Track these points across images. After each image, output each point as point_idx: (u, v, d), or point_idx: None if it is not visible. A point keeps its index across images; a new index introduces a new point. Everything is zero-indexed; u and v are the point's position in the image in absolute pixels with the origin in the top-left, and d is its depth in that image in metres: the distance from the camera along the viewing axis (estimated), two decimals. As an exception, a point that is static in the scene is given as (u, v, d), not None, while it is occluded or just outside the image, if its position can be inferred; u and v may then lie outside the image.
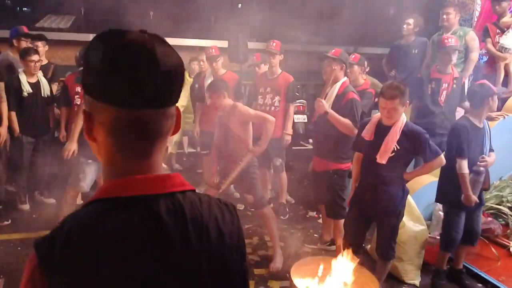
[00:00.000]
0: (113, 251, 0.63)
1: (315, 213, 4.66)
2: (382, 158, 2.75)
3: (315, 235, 4.17)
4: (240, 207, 4.67)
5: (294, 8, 8.03)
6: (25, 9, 12.36)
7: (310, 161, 4.22)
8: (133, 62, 0.66)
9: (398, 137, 2.73)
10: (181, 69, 0.72)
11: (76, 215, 0.68)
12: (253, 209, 4.06)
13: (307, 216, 4.67)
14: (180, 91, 0.72)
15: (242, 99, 4.82)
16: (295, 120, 6.80)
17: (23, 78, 4.17)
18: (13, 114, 4.11)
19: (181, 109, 4.50)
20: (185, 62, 6.05)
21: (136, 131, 0.69)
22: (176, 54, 0.71)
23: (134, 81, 0.66)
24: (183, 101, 5.43)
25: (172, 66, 0.69)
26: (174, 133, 0.75)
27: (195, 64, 5.69)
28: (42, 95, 4.31)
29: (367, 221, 3.02)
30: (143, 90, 0.66)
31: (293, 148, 6.36)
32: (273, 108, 4.46)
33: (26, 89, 4.16)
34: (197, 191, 0.77)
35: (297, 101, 7.16)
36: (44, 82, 4.35)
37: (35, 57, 4.16)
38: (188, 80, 5.50)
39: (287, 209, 4.66)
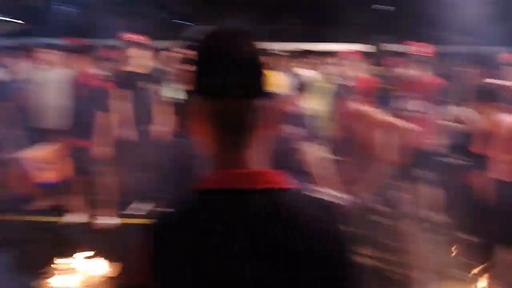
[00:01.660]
0: (205, 241, 0.69)
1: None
2: None
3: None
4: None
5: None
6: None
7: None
8: (225, 56, 0.73)
9: None
10: (265, 63, 0.76)
11: (180, 200, 0.77)
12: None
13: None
14: (264, 85, 0.75)
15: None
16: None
17: None
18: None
19: (322, 114, 4.60)
20: (323, 68, 6.10)
21: (229, 123, 0.74)
22: (260, 49, 0.76)
23: (226, 73, 0.72)
24: (323, 106, 5.47)
25: (256, 59, 0.75)
26: (269, 130, 0.77)
27: (334, 68, 5.70)
28: None
29: None
30: (234, 82, 0.72)
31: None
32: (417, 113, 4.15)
33: None
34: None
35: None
36: None
37: None
38: (325, 85, 5.53)
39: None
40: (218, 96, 0.73)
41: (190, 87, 0.76)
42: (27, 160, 4.18)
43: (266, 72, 0.76)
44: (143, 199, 4.66)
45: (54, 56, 4.82)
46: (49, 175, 4.27)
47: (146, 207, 4.60)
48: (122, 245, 3.74)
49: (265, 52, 0.77)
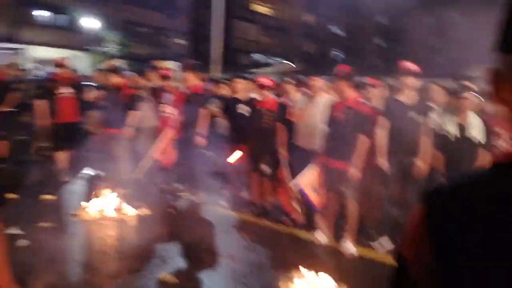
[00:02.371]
0: (497, 216, 0.60)
1: None
2: None
3: None
4: None
5: None
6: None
7: None
8: None
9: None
10: None
11: (469, 174, 0.70)
12: None
13: None
14: None
15: None
16: None
17: None
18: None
19: None
20: None
21: None
22: None
23: None
24: None
25: None
26: None
27: None
28: None
29: None
30: None
31: None
32: None
33: None
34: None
35: None
36: None
37: None
38: None
39: None
40: None
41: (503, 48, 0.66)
42: (298, 181, 4.58)
43: None
44: (391, 234, 4.44)
45: (321, 83, 5.23)
46: (311, 195, 4.56)
47: (390, 245, 4.36)
48: (355, 274, 3.78)
49: None
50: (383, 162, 4.39)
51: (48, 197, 5.43)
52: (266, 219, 5.19)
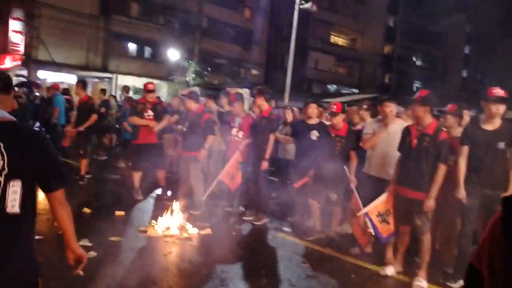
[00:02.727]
0: None
1: None
2: None
3: None
4: None
5: None
6: None
7: None
8: None
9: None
10: None
11: None
12: None
13: None
14: None
15: None
16: None
17: None
18: None
19: None
20: None
21: None
22: None
23: None
24: None
25: None
26: None
27: None
28: None
29: None
30: None
31: None
32: None
33: None
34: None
35: None
36: None
37: None
38: None
39: None
40: None
41: None
42: (371, 217, 4.37)
43: None
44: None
45: (396, 109, 5.01)
46: (380, 226, 4.32)
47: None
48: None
49: None
50: (462, 193, 4.04)
51: (119, 213, 5.71)
52: (332, 248, 4.97)
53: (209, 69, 25.25)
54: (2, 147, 1.71)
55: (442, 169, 3.97)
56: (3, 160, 1.71)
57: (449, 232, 4.54)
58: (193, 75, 23.45)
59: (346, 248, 4.95)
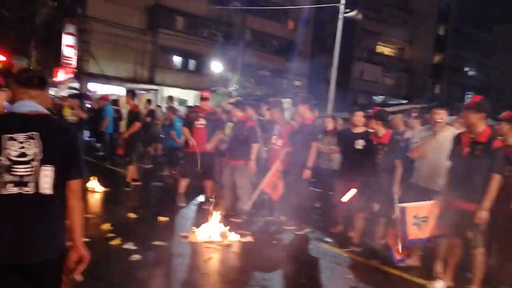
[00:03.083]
0: None
1: None
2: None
3: None
4: None
5: None
6: None
7: None
8: None
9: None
10: None
11: None
12: None
13: None
14: None
15: None
16: None
17: None
18: None
19: None
20: None
21: None
22: None
23: None
24: None
25: None
26: None
27: None
28: None
29: None
30: None
31: None
32: None
33: None
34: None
35: None
36: None
37: None
38: None
39: None
40: None
41: None
42: (407, 214, 4.24)
43: None
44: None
45: (446, 116, 4.83)
46: (422, 232, 4.17)
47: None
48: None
49: None
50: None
51: (163, 219, 5.85)
52: (377, 260, 4.83)
53: (252, 80, 25.54)
54: (37, 136, 1.99)
55: (496, 180, 3.78)
56: (38, 147, 1.98)
57: (506, 247, 4.29)
58: (236, 86, 23.80)
59: (392, 261, 4.79)
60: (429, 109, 5.58)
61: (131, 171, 7.89)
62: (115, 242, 4.66)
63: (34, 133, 1.99)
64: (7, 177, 1.93)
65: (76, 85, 23.80)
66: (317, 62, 31.69)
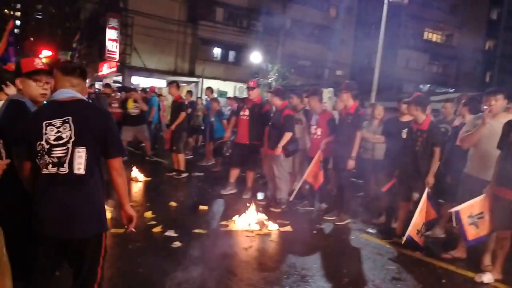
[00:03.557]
0: None
1: None
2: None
3: None
4: None
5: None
6: None
7: None
8: None
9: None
10: None
11: None
12: None
13: None
14: None
15: None
16: None
17: None
18: None
19: None
20: None
21: None
22: None
23: None
24: None
25: None
26: None
27: None
28: None
29: None
30: None
31: None
32: None
33: None
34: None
35: None
36: None
37: None
38: None
39: None
40: None
41: None
42: (461, 217, 4.09)
43: None
44: None
45: (499, 101, 4.58)
46: (481, 230, 4.02)
47: None
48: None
49: None
50: None
51: (203, 207, 5.98)
52: (421, 252, 4.71)
53: (292, 70, 25.38)
54: (71, 120, 2.21)
55: None
56: (71, 130, 2.20)
57: None
58: (276, 77, 23.74)
59: (437, 253, 4.67)
60: (481, 97, 5.30)
61: (181, 160, 8.13)
62: (157, 229, 4.81)
63: (69, 117, 2.21)
64: (48, 159, 2.18)
65: (119, 78, 24.59)
66: (360, 51, 31.01)
